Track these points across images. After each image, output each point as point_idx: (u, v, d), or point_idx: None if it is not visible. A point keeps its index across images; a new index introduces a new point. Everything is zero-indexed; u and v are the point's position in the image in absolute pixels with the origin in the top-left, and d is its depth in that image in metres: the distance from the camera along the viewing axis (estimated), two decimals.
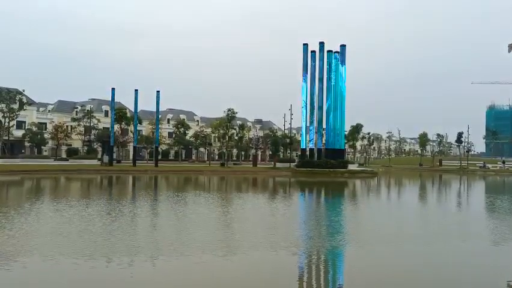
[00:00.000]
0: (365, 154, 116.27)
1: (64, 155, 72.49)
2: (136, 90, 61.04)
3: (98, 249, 10.07)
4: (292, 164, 60.29)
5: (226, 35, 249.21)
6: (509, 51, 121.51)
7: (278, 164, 63.15)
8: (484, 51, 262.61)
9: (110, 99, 63.36)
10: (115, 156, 63.81)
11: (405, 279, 8.80)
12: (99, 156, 64.17)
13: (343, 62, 59.58)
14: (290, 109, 64.64)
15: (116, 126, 70.03)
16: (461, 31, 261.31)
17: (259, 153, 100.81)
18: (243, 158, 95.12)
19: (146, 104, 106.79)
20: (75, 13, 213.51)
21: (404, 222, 16.51)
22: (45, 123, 77.64)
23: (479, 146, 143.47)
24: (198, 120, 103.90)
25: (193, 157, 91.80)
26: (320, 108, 60.45)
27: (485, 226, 15.94)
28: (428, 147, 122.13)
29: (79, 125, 74.39)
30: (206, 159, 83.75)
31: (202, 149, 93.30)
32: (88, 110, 77.01)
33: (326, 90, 59.91)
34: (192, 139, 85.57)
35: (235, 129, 79.21)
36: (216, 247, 10.64)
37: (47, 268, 8.80)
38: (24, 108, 64.40)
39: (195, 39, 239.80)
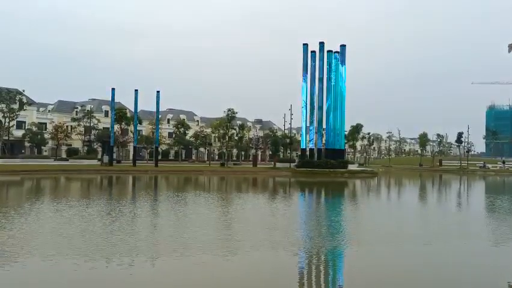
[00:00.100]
0: (365, 154, 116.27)
1: (64, 155, 72.47)
2: (136, 90, 61.08)
3: (98, 250, 10.07)
4: (292, 164, 60.29)
5: (226, 35, 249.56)
6: (509, 51, 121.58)
7: (278, 164, 63.14)
8: (484, 51, 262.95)
9: (110, 99, 63.37)
10: (115, 156, 63.80)
11: (405, 279, 8.80)
12: (99, 156, 64.14)
13: (343, 62, 59.59)
14: (290, 109, 64.71)
15: (116, 126, 70.01)
16: (461, 31, 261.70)
17: (259, 153, 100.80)
18: (243, 158, 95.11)
19: (146, 104, 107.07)
20: (75, 13, 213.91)
21: (404, 222, 16.51)
22: (45, 123, 77.61)
23: (479, 146, 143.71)
24: (198, 120, 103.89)
25: (193, 157, 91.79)
26: (320, 108, 60.46)
27: (485, 226, 15.95)
28: (428, 147, 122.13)
29: (79, 125, 74.38)
30: (206, 159, 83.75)
31: (202, 149, 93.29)
32: (88, 110, 77.00)
33: (326, 90, 59.93)
34: (192, 139, 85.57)
35: (235, 129, 79.18)
36: (216, 247, 10.65)
37: (47, 268, 8.80)
38: (24, 108, 64.37)
39: (195, 39, 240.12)
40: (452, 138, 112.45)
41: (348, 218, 17.98)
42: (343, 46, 59.85)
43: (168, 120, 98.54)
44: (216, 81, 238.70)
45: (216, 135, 79.31)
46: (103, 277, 8.40)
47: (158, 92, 62.14)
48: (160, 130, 72.16)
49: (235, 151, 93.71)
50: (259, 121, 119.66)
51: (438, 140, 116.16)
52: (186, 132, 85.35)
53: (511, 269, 10.17)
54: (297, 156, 76.03)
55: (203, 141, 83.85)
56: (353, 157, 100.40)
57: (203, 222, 14.70)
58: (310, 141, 60.74)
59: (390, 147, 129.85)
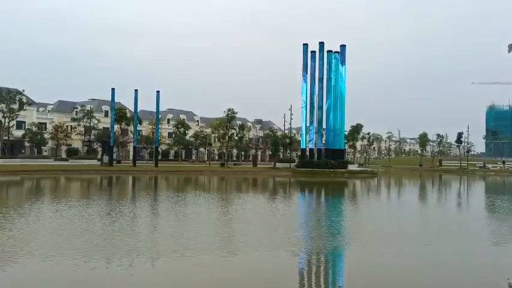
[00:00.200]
0: (365, 154, 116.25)
1: (63, 155, 72.44)
2: (136, 90, 61.09)
3: (98, 250, 10.08)
4: (292, 164, 60.30)
5: (226, 35, 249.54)
6: (509, 51, 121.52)
7: (278, 164, 63.16)
8: (484, 51, 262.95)
9: (110, 99, 63.35)
10: (114, 156, 63.78)
11: (405, 279, 8.81)
12: (99, 156, 64.10)
13: (343, 62, 59.61)
14: (290, 109, 64.69)
15: (116, 126, 70.00)
16: (461, 31, 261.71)
17: (259, 153, 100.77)
18: (243, 158, 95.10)
19: (146, 104, 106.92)
20: (75, 13, 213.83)
21: (404, 222, 16.52)
22: (45, 123, 77.57)
23: (479, 146, 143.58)
24: (197, 120, 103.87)
25: (193, 157, 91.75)
26: (320, 108, 60.48)
27: (485, 226, 15.95)
28: (428, 148, 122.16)
29: (78, 125, 74.35)
30: (206, 159, 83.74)
31: (202, 149, 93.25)
32: (88, 110, 76.97)
33: (326, 90, 59.95)
34: (191, 139, 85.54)
35: (235, 129, 79.13)
36: (216, 248, 10.65)
37: (47, 269, 8.80)
38: (24, 108, 64.38)
39: (195, 39, 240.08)
40: (452, 138, 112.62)
41: (348, 218, 17.99)
42: (343, 46, 59.87)
43: (168, 120, 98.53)
44: (216, 81, 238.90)
45: (216, 135, 79.28)
46: (103, 278, 8.40)
47: (158, 92, 62.17)
48: (160, 130, 72.15)
49: (235, 151, 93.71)
50: (259, 121, 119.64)
51: (438, 140, 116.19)
52: (186, 132, 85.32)
53: (511, 269, 10.17)
54: (297, 156, 76.04)
55: (203, 141, 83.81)
56: (353, 157, 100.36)
57: (203, 223, 14.70)
58: (310, 141, 60.76)
59: (390, 147, 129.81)
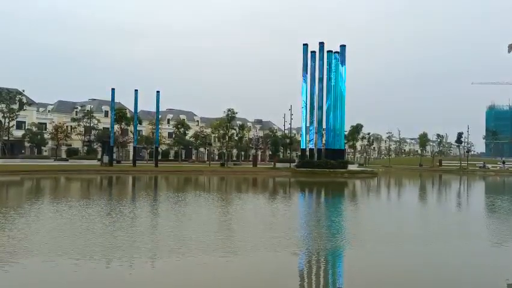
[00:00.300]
0: (365, 154, 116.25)
1: (63, 155, 72.48)
2: (136, 90, 61.11)
3: (98, 250, 10.08)
4: (292, 164, 60.31)
5: (226, 35, 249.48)
6: (509, 52, 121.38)
7: (278, 164, 63.17)
8: (484, 51, 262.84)
9: (110, 99, 63.36)
10: (114, 156, 63.77)
11: (405, 279, 8.81)
12: (99, 156, 64.08)
13: (343, 62, 59.62)
14: (290, 109, 64.71)
15: (116, 127, 70.00)
16: (461, 31, 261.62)
17: (259, 153, 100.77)
18: (243, 158, 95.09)
19: (146, 104, 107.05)
20: (75, 13, 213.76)
21: (404, 222, 16.53)
22: (45, 124, 77.60)
23: (479, 146, 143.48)
24: (197, 121, 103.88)
25: (193, 157, 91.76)
26: (320, 108, 60.49)
27: (485, 226, 15.96)
28: (428, 148, 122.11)
29: (78, 125, 74.36)
30: (206, 159, 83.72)
31: (202, 149, 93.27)
32: (87, 110, 76.98)
33: (326, 90, 59.96)
34: (191, 139, 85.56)
35: (235, 129, 79.15)
36: (216, 248, 10.66)
37: (48, 269, 8.80)
38: (24, 108, 64.41)
39: (195, 39, 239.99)
40: (452, 139, 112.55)
41: (348, 218, 18.00)
42: (343, 46, 59.88)
43: (168, 120, 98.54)
44: (216, 81, 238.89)
45: (216, 135, 79.30)
46: (104, 278, 8.40)
47: (158, 92, 62.20)
48: (160, 130, 72.15)
49: (235, 151, 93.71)
50: (259, 121, 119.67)
51: (438, 140, 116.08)
52: (186, 132, 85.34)
53: (511, 269, 10.17)
54: (297, 156, 76.03)
55: (203, 141, 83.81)
56: (353, 157, 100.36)
57: (203, 223, 14.70)
58: (310, 141, 60.76)
59: (390, 147, 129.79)
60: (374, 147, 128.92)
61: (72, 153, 72.21)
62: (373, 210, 21.20)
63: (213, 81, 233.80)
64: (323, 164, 56.09)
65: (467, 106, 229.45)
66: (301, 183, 41.93)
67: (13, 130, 65.11)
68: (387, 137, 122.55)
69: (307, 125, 61.09)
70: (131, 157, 70.05)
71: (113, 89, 61.29)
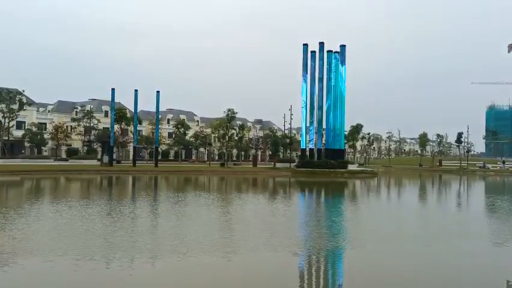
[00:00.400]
0: (365, 154, 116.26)
1: (63, 155, 72.44)
2: (136, 90, 61.10)
3: (98, 250, 10.08)
4: (292, 164, 60.30)
5: (226, 35, 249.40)
6: (509, 51, 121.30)
7: (278, 164, 63.16)
8: (484, 51, 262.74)
9: (110, 99, 63.34)
10: (114, 156, 63.75)
11: (405, 279, 8.81)
12: (99, 156, 64.05)
13: (343, 62, 59.61)
14: (290, 109, 64.63)
15: (116, 127, 69.97)
16: (461, 31, 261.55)
17: (259, 153, 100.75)
18: (243, 158, 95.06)
19: (146, 104, 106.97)
20: (75, 13, 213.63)
21: (404, 222, 16.53)
22: (45, 124, 77.56)
23: (479, 146, 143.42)
24: (197, 121, 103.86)
25: (193, 157, 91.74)
26: (320, 108, 60.49)
27: (485, 226, 15.96)
28: (428, 148, 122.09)
29: (78, 125, 74.34)
30: (206, 159, 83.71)
31: (202, 149, 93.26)
32: (87, 110, 76.96)
33: (326, 90, 59.96)
34: (191, 139, 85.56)
35: (235, 129, 79.13)
36: (216, 248, 10.66)
37: (47, 269, 8.80)
38: (24, 108, 64.38)
39: (195, 39, 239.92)
40: (452, 139, 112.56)
41: (348, 218, 18.00)
42: (343, 46, 59.88)
43: (168, 120, 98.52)
44: (216, 81, 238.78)
45: (216, 135, 79.28)
46: (104, 278, 8.40)
47: (158, 92, 62.20)
48: (160, 130, 72.15)
49: (235, 151, 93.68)
50: (259, 121, 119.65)
51: (438, 140, 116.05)
52: (186, 132, 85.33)
53: (511, 269, 10.18)
54: (297, 156, 76.02)
55: (203, 141, 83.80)
56: (353, 157, 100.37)
57: (203, 223, 14.70)
58: (310, 141, 60.76)
59: (390, 147, 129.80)
60: (374, 147, 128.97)
61: (72, 153, 72.18)
62: (373, 210, 21.20)
63: (213, 81, 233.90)
64: (323, 164, 56.09)
65: (467, 106, 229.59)
66: (301, 183, 41.93)
67: (13, 130, 65.09)
68: (387, 137, 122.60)
69: (307, 125, 61.08)
70: (131, 157, 70.01)
71: (113, 89, 61.30)
